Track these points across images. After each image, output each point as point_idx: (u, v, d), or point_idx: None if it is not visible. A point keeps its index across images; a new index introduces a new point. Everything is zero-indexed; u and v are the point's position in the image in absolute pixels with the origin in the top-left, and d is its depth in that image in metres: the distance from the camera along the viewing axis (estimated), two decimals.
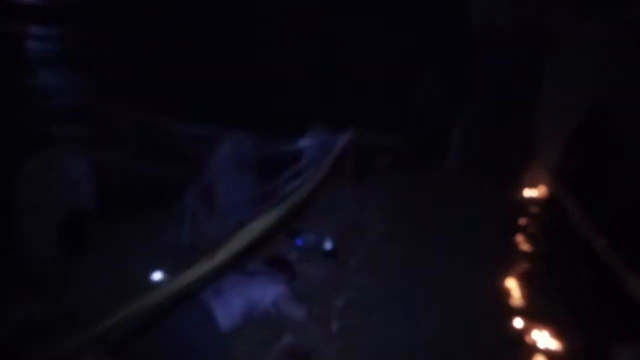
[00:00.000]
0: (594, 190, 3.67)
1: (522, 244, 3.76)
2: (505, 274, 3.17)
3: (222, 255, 1.87)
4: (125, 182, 2.78)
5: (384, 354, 2.33)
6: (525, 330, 2.55)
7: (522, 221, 4.21)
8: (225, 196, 3.41)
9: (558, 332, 2.49)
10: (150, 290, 1.60)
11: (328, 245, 3.43)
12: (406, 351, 2.36)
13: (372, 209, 4.23)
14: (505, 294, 2.96)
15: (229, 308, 2.34)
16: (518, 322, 2.62)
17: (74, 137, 2.83)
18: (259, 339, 2.40)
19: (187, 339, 2.09)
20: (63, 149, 2.72)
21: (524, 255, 3.54)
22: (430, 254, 3.44)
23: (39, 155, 2.64)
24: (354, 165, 4.30)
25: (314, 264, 3.25)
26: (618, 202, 3.67)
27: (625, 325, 2.25)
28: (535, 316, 2.64)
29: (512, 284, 3.03)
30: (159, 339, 2.09)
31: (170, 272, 2.62)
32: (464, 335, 2.50)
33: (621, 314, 2.28)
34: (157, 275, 2.73)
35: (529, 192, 4.88)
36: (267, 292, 2.59)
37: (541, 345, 2.44)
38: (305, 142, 3.92)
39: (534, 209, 4.52)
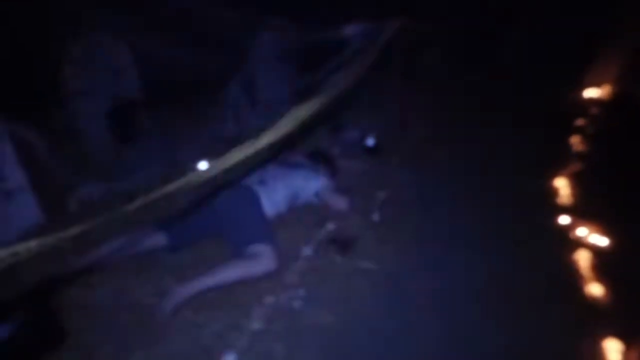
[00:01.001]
0: None
1: (577, 144, 3.54)
2: (556, 173, 3.04)
3: (263, 141, 1.85)
4: (169, 71, 2.74)
5: (422, 244, 2.39)
6: (571, 227, 2.50)
7: (580, 122, 3.92)
8: (267, 89, 3.34)
9: (604, 228, 2.43)
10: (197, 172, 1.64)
11: (370, 141, 3.38)
12: (445, 241, 2.41)
13: (418, 108, 4.05)
14: (555, 192, 2.87)
15: (273, 196, 2.41)
16: (564, 219, 2.56)
17: (117, 23, 2.74)
18: (303, 226, 2.50)
19: (234, 218, 2.21)
20: (107, 35, 2.67)
21: (578, 155, 3.35)
22: (477, 156, 3.33)
23: (83, 40, 2.62)
24: (401, 59, 4.02)
25: (356, 159, 3.24)
26: None
27: None
28: (582, 214, 2.57)
29: (562, 183, 2.92)
30: (208, 216, 2.23)
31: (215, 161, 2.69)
32: (508, 230, 2.49)
33: None
34: (202, 165, 2.83)
35: (591, 92, 4.47)
36: (310, 184, 2.64)
37: (586, 240, 2.39)
38: (350, 31, 3.64)
39: (594, 110, 4.17)
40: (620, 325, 1.87)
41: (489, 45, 4.93)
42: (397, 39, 3.97)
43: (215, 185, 2.31)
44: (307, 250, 2.30)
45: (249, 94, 3.42)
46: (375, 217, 2.61)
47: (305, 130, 2.94)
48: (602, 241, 2.37)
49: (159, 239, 2.14)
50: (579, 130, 3.76)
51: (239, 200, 2.30)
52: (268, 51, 3.53)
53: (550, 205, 2.75)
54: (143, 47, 2.73)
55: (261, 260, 2.05)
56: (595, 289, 2.08)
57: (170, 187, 1.63)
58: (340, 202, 2.66)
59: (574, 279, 2.17)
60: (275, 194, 2.44)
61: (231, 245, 2.16)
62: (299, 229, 2.48)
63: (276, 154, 2.51)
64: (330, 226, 2.50)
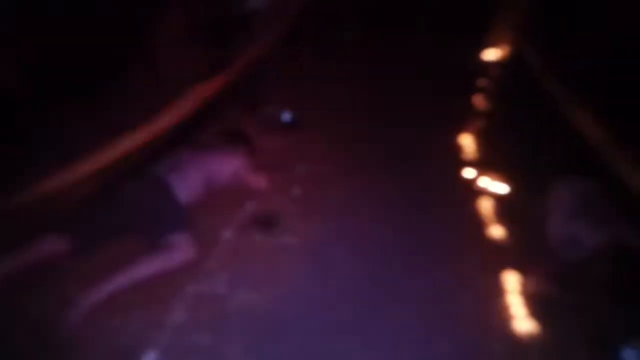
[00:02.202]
0: (556, 43, 3.60)
1: (481, 102, 3.79)
2: (461, 130, 3.25)
3: (163, 123, 1.75)
4: (60, 59, 2.44)
5: (343, 213, 2.44)
6: (476, 178, 2.71)
7: (483, 81, 4.19)
8: (172, 67, 3.13)
9: (506, 177, 2.66)
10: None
11: (287, 116, 3.34)
12: (365, 207, 2.48)
13: (335, 78, 4.06)
14: (460, 148, 3.07)
15: (186, 182, 2.30)
16: (469, 172, 2.76)
17: None
18: (222, 209, 2.43)
19: (145, 210, 2.08)
20: None
21: (481, 113, 3.60)
22: (392, 120, 3.44)
23: None
24: (315, 28, 4.00)
25: (274, 135, 3.19)
26: (579, 53, 3.68)
27: (570, 164, 2.40)
28: (485, 166, 2.79)
29: (466, 139, 3.13)
30: (114, 211, 2.08)
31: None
32: (420, 187, 2.63)
33: (568, 155, 2.42)
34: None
35: (492, 53, 4.78)
36: (226, 165, 2.56)
37: (489, 189, 2.61)
38: (256, 3, 3.51)
39: (495, 69, 4.48)
40: (518, 260, 2.08)
41: (404, 14, 5.05)
42: (308, 10, 3.92)
43: (117, 176, 2.15)
44: (227, 234, 2.25)
45: (153, 74, 3.19)
46: (297, 191, 2.61)
47: (213, 108, 2.83)
48: (502, 189, 2.59)
49: (57, 243, 1.94)
50: (481, 90, 4.02)
51: (147, 190, 2.17)
52: (172, 27, 3.29)
53: (457, 160, 2.94)
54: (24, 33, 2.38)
55: (178, 250, 1.97)
56: (497, 231, 2.28)
57: (61, 180, 1.47)
58: (259, 181, 2.62)
59: (479, 223, 2.37)
60: (189, 179, 2.33)
61: (144, 239, 2.04)
62: (219, 212, 2.41)
63: (183, 136, 2.39)
64: (251, 206, 2.46)
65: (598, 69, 2.16)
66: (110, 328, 1.73)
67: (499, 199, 2.53)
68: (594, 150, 1.92)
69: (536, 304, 1.88)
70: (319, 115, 3.49)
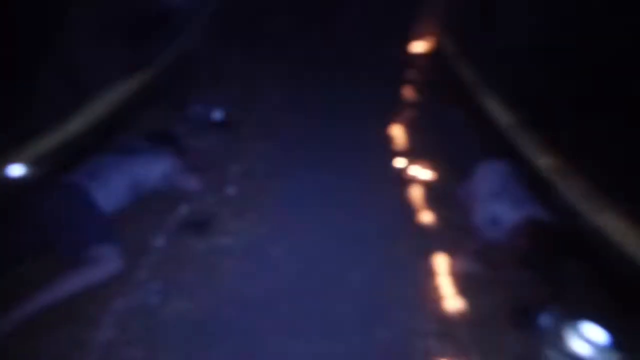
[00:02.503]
0: (470, 37, 3.84)
1: (409, 93, 3.94)
2: (392, 121, 3.36)
3: (78, 124, 1.61)
4: None
5: (281, 210, 2.43)
6: (406, 167, 2.82)
7: (411, 73, 4.36)
8: (88, 67, 2.90)
9: (432, 165, 2.80)
10: None
11: (218, 115, 3.25)
12: (301, 202, 2.49)
13: (265, 74, 4.01)
14: (391, 138, 3.17)
15: (109, 189, 2.15)
16: (400, 162, 2.87)
17: None
18: (152, 214, 2.31)
19: (63, 222, 1.92)
20: None
21: (409, 103, 3.74)
22: (326, 114, 3.47)
23: None
24: (242, 22, 3.91)
25: (205, 136, 3.09)
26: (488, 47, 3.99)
27: (488, 148, 2.58)
28: (414, 154, 2.91)
29: (397, 131, 3.24)
30: (29, 227, 1.90)
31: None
32: (355, 179, 2.69)
33: (485, 140, 2.60)
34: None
35: (419, 46, 4.98)
36: (153, 169, 2.43)
37: (418, 177, 2.75)
38: None
39: (421, 61, 4.67)
40: (446, 242, 2.21)
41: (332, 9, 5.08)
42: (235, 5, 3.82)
43: (28, 187, 1.96)
44: (158, 241, 2.15)
45: (67, 75, 2.94)
46: (231, 191, 2.55)
47: (135, 109, 2.67)
48: (429, 176, 2.72)
49: None
50: (409, 81, 4.18)
51: (64, 201, 2.00)
52: (86, 24, 3.04)
53: (388, 150, 3.05)
54: None
55: (102, 263, 1.84)
56: (426, 216, 2.40)
57: None
58: (191, 183, 2.52)
59: (410, 210, 2.49)
60: (111, 186, 2.18)
61: (64, 254, 1.89)
62: (149, 218, 2.29)
63: (103, 140, 2.23)
64: (184, 209, 2.37)
65: (505, 62, 2.38)
66: (32, 352, 1.59)
67: (427, 185, 2.66)
68: (505, 135, 2.08)
69: (463, 282, 2.01)
70: (251, 112, 3.44)
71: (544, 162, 1.77)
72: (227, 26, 4.22)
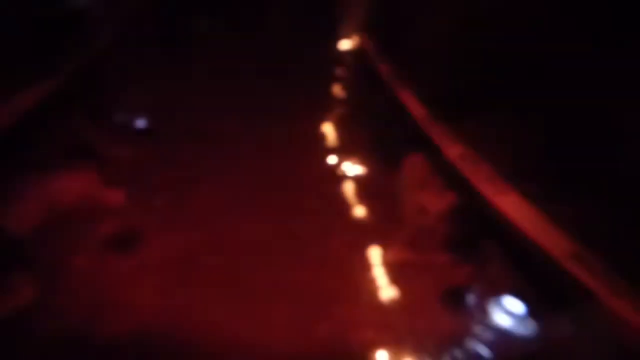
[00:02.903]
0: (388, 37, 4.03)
1: (338, 91, 4.02)
2: (323, 119, 3.41)
3: None
4: None
5: (212, 218, 2.36)
6: (339, 163, 2.88)
7: (339, 71, 4.44)
8: None
9: (362, 161, 2.88)
10: None
11: (141, 123, 3.09)
12: (232, 208, 2.44)
13: (191, 79, 3.88)
14: (323, 136, 3.22)
15: (18, 211, 1.97)
16: (332, 159, 2.92)
17: None
18: (71, 233, 2.14)
19: None
20: None
21: (338, 100, 3.82)
22: (257, 115, 3.42)
23: None
24: (165, 26, 3.74)
25: (127, 145, 2.92)
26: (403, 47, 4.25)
27: (411, 141, 2.69)
28: (345, 152, 2.98)
29: (328, 128, 3.29)
30: None
31: None
32: (288, 179, 2.70)
33: (407, 133, 2.72)
34: None
35: (344, 45, 5.08)
36: (71, 184, 2.26)
37: (349, 173, 2.81)
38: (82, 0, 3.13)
39: (348, 59, 4.78)
40: (379, 234, 2.28)
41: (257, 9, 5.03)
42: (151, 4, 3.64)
43: None
44: (79, 261, 2.00)
45: None
46: (158, 202, 2.44)
47: (45, 120, 2.46)
48: (360, 171, 2.80)
49: None
50: (338, 78, 4.26)
51: None
52: None
53: (320, 148, 3.08)
54: None
55: (14, 293, 1.68)
56: (359, 210, 2.46)
57: None
58: (114, 196, 2.38)
59: (343, 205, 2.54)
60: (21, 207, 2.00)
61: None
62: (68, 238, 2.12)
63: (6, 158, 2.03)
64: (107, 226, 2.22)
65: (420, 61, 2.53)
66: None
67: (358, 180, 2.73)
68: (423, 128, 2.19)
69: (396, 271, 2.09)
70: (176, 118, 3.31)
71: (455, 151, 1.89)
72: (144, 28, 4.03)
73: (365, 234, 2.31)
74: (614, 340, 1.44)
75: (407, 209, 2.30)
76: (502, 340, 1.81)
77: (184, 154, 2.92)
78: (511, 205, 1.13)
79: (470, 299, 1.96)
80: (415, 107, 1.86)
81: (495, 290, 1.99)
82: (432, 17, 2.69)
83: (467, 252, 2.11)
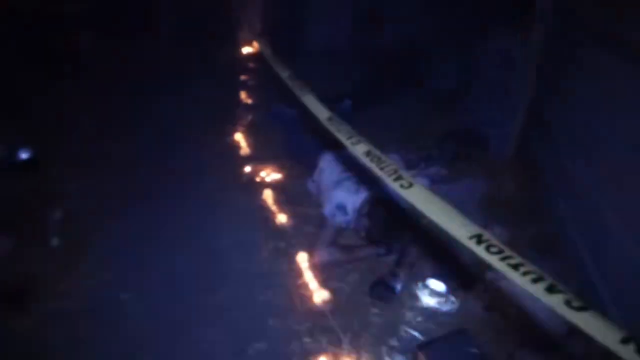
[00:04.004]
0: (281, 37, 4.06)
1: (245, 98, 3.92)
2: (235, 128, 3.30)
3: None
4: None
5: (121, 256, 2.14)
6: (255, 172, 2.81)
7: (244, 77, 4.34)
8: None
9: (279, 166, 2.84)
10: None
11: (24, 154, 2.71)
12: (144, 240, 2.24)
13: (77, 101, 3.49)
14: (236, 146, 3.11)
15: None
16: (248, 168, 2.84)
17: None
18: None
19: None
20: None
21: (247, 108, 3.73)
22: (157, 132, 3.19)
23: None
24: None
25: (9, 179, 2.55)
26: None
27: (322, 141, 2.72)
28: (260, 160, 2.91)
29: (240, 136, 3.19)
30: None
31: None
32: (203, 196, 2.56)
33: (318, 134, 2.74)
34: None
35: (245, 50, 5.00)
36: None
37: (268, 179, 2.77)
38: None
39: (251, 65, 4.70)
40: (304, 239, 2.27)
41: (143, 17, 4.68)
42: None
43: None
44: None
45: None
46: (55, 242, 2.16)
47: None
48: (277, 177, 2.77)
49: None
50: (244, 84, 4.16)
51: None
52: None
53: (236, 158, 2.98)
54: None
55: None
56: (281, 217, 2.43)
57: None
58: None
59: (265, 214, 2.48)
60: None
61: None
62: None
63: None
64: None
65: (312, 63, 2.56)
66: None
67: (278, 186, 2.68)
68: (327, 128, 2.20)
69: (325, 272, 2.10)
70: (63, 148, 2.95)
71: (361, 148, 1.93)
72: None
73: (290, 240, 2.28)
74: None
75: (328, 208, 2.30)
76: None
77: (72, 186, 2.60)
78: (416, 196, 1.17)
79: (397, 287, 2.04)
80: (317, 108, 1.86)
81: (417, 275, 2.10)
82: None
83: (387, 243, 2.19)
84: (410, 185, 1.22)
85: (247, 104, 3.81)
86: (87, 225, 2.29)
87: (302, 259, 2.15)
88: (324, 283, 2.04)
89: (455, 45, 3.49)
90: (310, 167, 2.73)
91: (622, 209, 1.73)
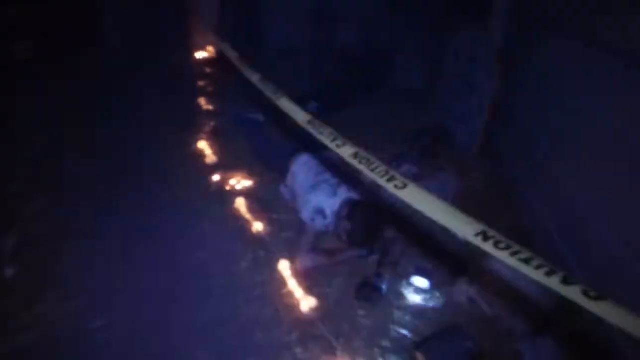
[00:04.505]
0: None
1: (205, 104, 3.78)
2: (197, 136, 3.16)
3: None
4: None
5: (86, 281, 1.98)
6: (224, 180, 2.70)
7: (202, 83, 4.19)
8: None
9: (250, 173, 2.76)
10: None
11: None
12: (110, 263, 2.09)
13: (24, 116, 3.21)
14: (201, 155, 2.98)
15: None
16: (216, 177, 2.73)
17: None
18: None
19: None
20: None
21: (208, 114, 3.60)
22: (114, 145, 3.00)
23: None
24: None
25: None
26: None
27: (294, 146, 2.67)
28: (228, 168, 2.81)
29: (203, 145, 3.07)
30: None
31: None
32: (172, 209, 2.43)
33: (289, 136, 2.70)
34: None
35: (200, 54, 4.83)
36: None
37: (239, 187, 2.68)
38: None
39: (208, 69, 4.55)
40: (284, 247, 2.21)
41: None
42: None
43: None
44: None
45: None
46: (9, 272, 1.96)
47: None
48: (249, 184, 2.69)
49: None
50: (202, 90, 4.01)
51: None
52: None
53: (203, 167, 2.86)
54: None
55: None
56: (257, 226, 2.35)
57: None
58: None
59: (240, 223, 2.39)
60: None
61: None
62: None
63: None
64: None
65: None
66: None
67: (250, 194, 2.60)
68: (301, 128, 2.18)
69: (309, 279, 2.05)
70: (12, 164, 2.71)
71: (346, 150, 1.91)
72: None
73: (269, 248, 2.22)
74: None
75: (305, 213, 2.25)
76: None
77: (30, 205, 2.39)
78: (413, 197, 1.16)
79: (382, 286, 2.03)
80: (296, 112, 1.81)
81: (402, 273, 2.11)
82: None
83: (369, 244, 2.18)
84: (405, 185, 1.21)
85: (207, 111, 3.68)
86: (46, 249, 2.10)
87: (284, 267, 2.10)
88: (308, 290, 2.00)
89: (419, 45, 3.57)
90: (280, 172, 2.67)
91: (594, 197, 1.83)
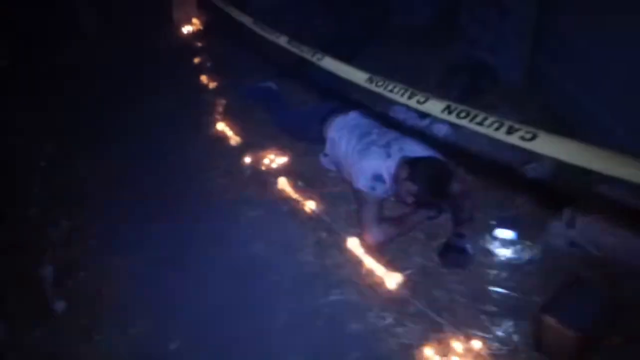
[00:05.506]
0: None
1: (208, 82, 3.46)
2: (212, 118, 2.88)
3: None
4: None
5: (148, 311, 1.78)
6: (257, 161, 2.46)
7: (197, 59, 3.83)
8: None
9: (279, 150, 2.51)
10: None
11: None
12: (170, 275, 1.89)
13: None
14: (223, 137, 2.71)
15: None
16: (247, 159, 2.48)
17: None
18: None
19: None
20: None
21: (215, 92, 3.28)
22: (132, 140, 2.73)
23: None
24: None
25: None
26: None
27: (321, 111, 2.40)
28: (257, 146, 2.55)
29: (222, 126, 2.79)
30: None
31: None
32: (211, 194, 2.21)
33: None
34: None
35: (187, 28, 4.43)
36: None
37: (274, 166, 2.43)
38: None
39: (199, 44, 4.18)
40: (343, 223, 2.01)
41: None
42: None
43: None
44: None
45: None
46: (59, 307, 1.76)
47: None
48: (284, 161, 2.44)
49: None
50: (201, 69, 3.66)
51: None
52: None
53: (229, 150, 2.60)
54: None
55: None
56: (309, 204, 2.13)
57: None
58: None
59: (289, 203, 2.18)
60: None
61: None
62: None
63: None
64: None
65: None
66: None
67: (289, 172, 2.36)
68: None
69: (386, 253, 1.86)
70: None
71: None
72: None
73: (330, 228, 2.01)
74: None
75: (359, 183, 2.01)
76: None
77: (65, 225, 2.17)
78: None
79: (468, 247, 1.84)
80: (351, 73, 1.56)
81: (481, 227, 1.91)
82: None
83: (437, 203, 1.98)
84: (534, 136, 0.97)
85: (214, 89, 3.36)
86: (95, 274, 1.89)
87: (354, 245, 1.89)
88: (389, 265, 1.80)
89: None
90: (313, 140, 2.43)
91: None
